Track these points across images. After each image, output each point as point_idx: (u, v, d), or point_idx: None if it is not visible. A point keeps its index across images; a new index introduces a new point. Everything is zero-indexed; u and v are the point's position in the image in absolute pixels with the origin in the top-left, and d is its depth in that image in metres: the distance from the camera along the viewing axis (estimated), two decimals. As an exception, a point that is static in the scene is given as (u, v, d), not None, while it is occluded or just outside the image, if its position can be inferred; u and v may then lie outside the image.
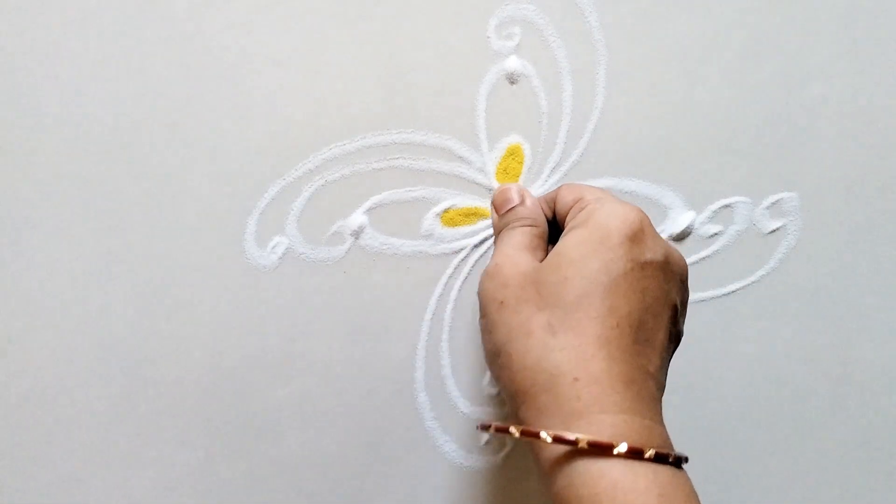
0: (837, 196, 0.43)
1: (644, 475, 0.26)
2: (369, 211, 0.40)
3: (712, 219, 0.42)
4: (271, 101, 0.39)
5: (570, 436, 0.27)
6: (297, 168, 0.39)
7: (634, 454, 0.26)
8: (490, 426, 0.30)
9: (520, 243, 0.34)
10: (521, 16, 0.40)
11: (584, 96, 0.41)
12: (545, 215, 0.36)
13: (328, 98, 0.39)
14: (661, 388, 0.31)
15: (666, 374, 0.31)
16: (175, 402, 0.40)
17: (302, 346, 0.40)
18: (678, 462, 0.28)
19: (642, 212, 0.32)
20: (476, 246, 0.41)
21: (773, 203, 0.43)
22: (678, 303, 0.32)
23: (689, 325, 0.43)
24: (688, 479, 0.28)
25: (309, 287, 0.40)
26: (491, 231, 0.41)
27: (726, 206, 0.42)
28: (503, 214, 0.37)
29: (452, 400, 0.42)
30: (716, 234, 0.42)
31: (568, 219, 0.34)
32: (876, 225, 0.44)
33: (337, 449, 0.41)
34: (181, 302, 0.39)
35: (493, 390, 0.42)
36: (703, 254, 0.43)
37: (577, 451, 0.27)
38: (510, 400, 0.30)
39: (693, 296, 0.43)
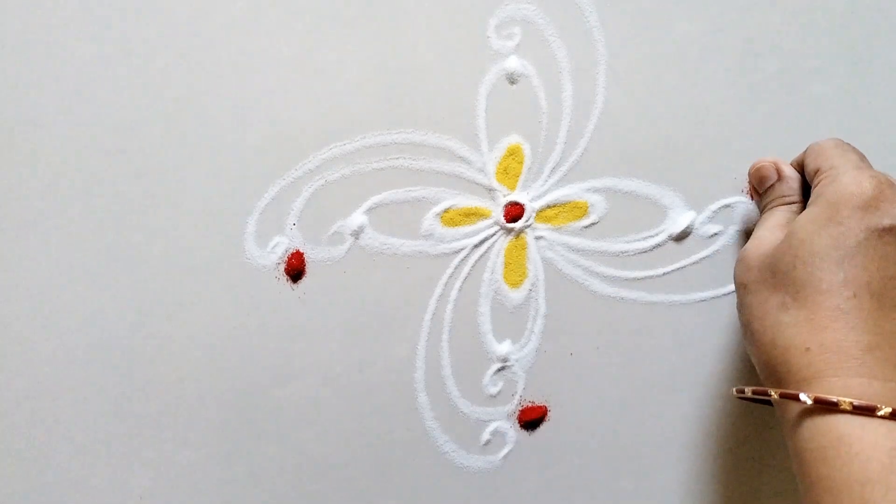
0: (837, 196, 0.43)
1: (875, 431, 0.27)
2: (369, 211, 0.40)
3: (712, 219, 0.42)
4: (271, 101, 0.39)
5: (793, 394, 0.29)
6: (297, 168, 0.39)
7: (864, 411, 0.28)
8: (744, 391, 0.33)
9: (775, 224, 0.35)
10: (521, 16, 0.40)
11: (584, 96, 0.41)
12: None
13: (328, 98, 0.39)
14: None
15: None
16: (175, 402, 0.40)
17: (302, 346, 0.40)
18: None
19: (880, 177, 0.32)
20: (476, 246, 0.41)
21: (773, 203, 0.43)
22: None
23: (689, 326, 0.43)
24: None
25: (309, 287, 0.40)
26: (491, 231, 0.41)
27: (726, 206, 0.42)
28: (763, 193, 0.38)
29: (452, 400, 0.42)
30: (716, 234, 0.42)
31: (811, 193, 0.34)
32: (876, 225, 0.44)
33: (337, 449, 0.41)
34: (181, 302, 0.39)
35: (494, 390, 0.42)
36: (703, 254, 0.43)
37: (806, 410, 0.29)
38: (759, 371, 0.33)
39: (693, 295, 0.43)
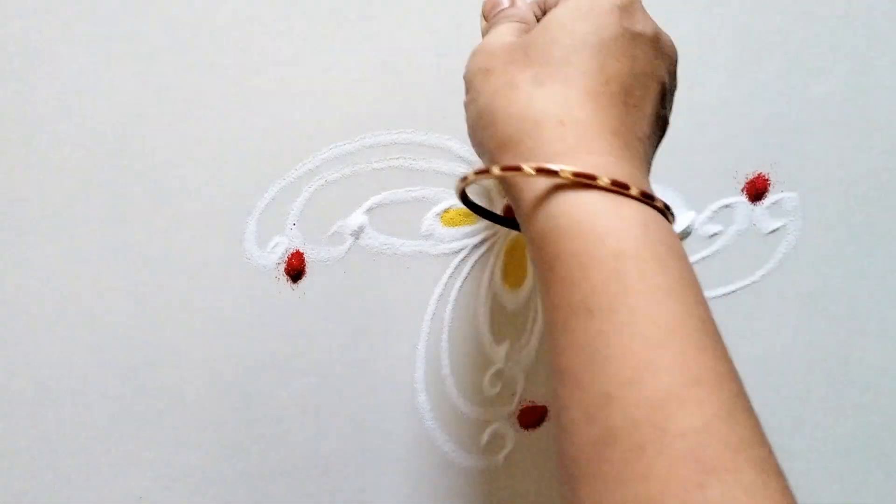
0: (837, 196, 0.43)
1: (628, 207, 0.27)
2: (369, 211, 0.40)
3: (712, 219, 0.42)
4: (271, 101, 0.39)
5: (554, 167, 0.27)
6: (297, 168, 0.39)
7: (619, 188, 0.27)
8: (467, 177, 0.30)
9: (509, 31, 0.33)
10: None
11: (584, 96, 0.41)
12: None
13: (328, 98, 0.39)
14: (649, 160, 0.31)
15: (653, 156, 0.32)
16: (175, 402, 0.40)
17: (302, 346, 0.40)
18: (665, 211, 0.28)
19: None
20: (476, 246, 0.41)
21: (773, 203, 0.43)
22: (666, 84, 0.32)
23: (689, 325, 0.43)
24: (673, 230, 0.29)
25: (309, 287, 0.40)
26: (491, 231, 0.41)
27: (726, 206, 0.42)
28: (491, 18, 0.36)
29: (452, 400, 0.42)
30: (716, 234, 0.42)
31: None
32: (876, 225, 0.44)
33: (337, 449, 0.41)
34: (181, 302, 0.39)
35: (494, 390, 0.42)
36: (703, 254, 0.43)
37: (559, 186, 0.27)
38: (492, 156, 0.30)
39: (693, 296, 0.42)
